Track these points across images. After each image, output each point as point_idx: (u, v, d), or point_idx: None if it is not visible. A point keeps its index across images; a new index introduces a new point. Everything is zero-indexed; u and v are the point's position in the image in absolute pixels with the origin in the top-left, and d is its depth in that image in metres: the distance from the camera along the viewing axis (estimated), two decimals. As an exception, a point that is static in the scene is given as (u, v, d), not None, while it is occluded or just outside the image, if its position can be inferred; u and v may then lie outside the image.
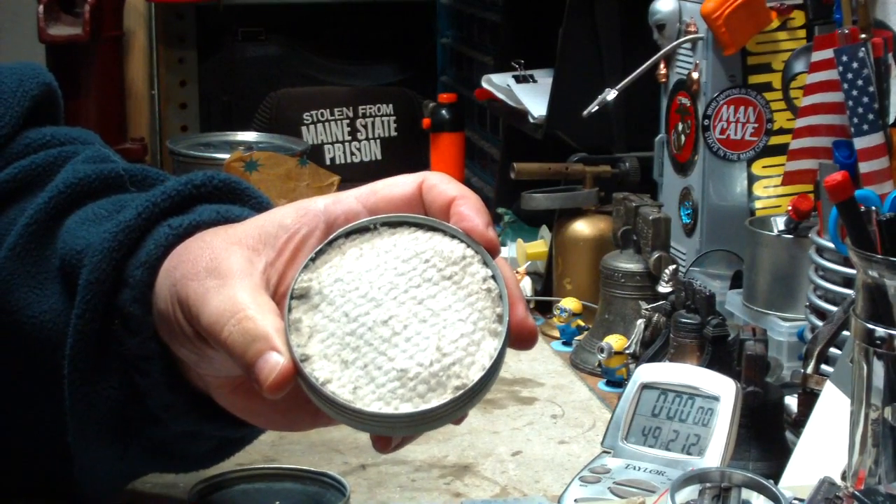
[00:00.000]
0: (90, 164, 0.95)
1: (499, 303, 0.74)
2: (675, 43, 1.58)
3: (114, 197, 0.90)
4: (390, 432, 0.73)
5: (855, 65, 1.27)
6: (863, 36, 1.28)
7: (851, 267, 1.08)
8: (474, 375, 0.71)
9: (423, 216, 0.78)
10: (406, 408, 0.70)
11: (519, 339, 0.74)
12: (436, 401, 0.70)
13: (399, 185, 0.79)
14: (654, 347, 1.25)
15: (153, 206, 0.83)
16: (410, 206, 0.79)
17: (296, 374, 0.72)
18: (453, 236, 0.77)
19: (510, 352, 0.76)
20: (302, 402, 0.75)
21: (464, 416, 0.74)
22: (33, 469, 0.95)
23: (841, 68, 1.27)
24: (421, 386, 0.71)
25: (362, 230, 0.76)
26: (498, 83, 1.95)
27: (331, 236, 0.76)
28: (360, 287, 0.73)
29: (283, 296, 0.75)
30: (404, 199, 0.79)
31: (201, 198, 0.85)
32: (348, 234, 0.76)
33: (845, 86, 1.28)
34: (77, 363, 0.83)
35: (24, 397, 0.89)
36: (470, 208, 0.78)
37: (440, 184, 0.80)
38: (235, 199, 0.87)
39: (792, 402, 1.18)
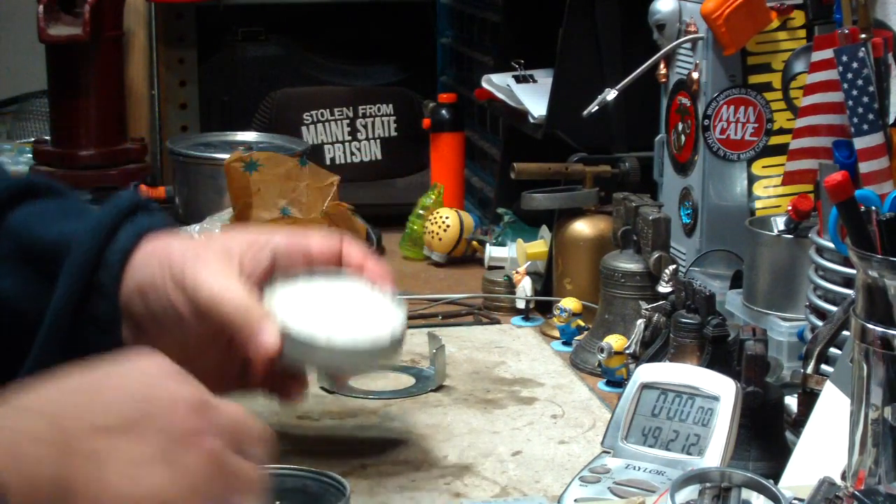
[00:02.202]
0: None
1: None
2: (675, 43, 1.58)
3: (44, 202, 1.11)
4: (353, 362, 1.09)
5: (855, 65, 1.27)
6: (863, 36, 1.28)
7: (851, 267, 1.08)
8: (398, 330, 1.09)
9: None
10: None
11: None
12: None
13: (327, 240, 1.14)
14: (654, 347, 1.25)
15: (119, 211, 1.08)
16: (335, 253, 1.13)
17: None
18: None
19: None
20: (229, 366, 1.06)
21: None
22: None
23: (841, 68, 1.28)
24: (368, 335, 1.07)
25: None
26: (498, 83, 1.95)
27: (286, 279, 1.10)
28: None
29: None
30: (330, 248, 1.14)
31: (139, 209, 1.12)
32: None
33: (845, 86, 1.28)
34: (57, 331, 1.04)
35: None
36: (376, 262, 1.14)
37: (357, 245, 1.15)
38: (150, 209, 1.13)
39: (792, 402, 1.18)
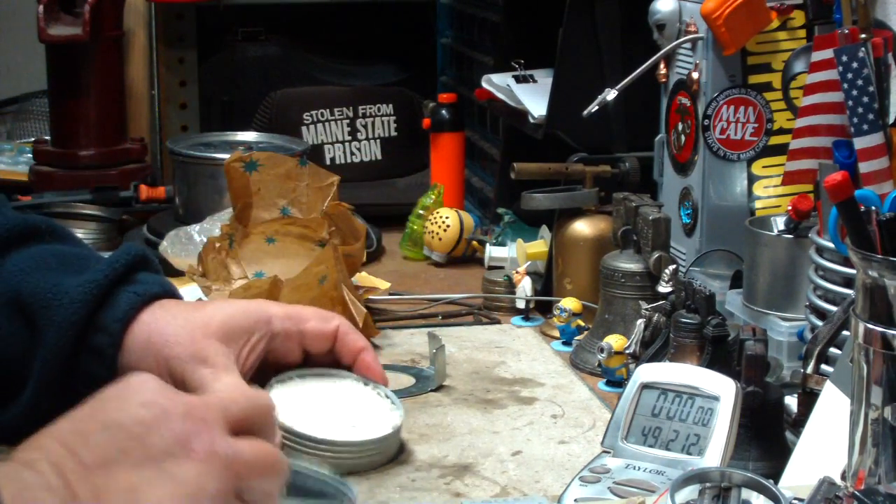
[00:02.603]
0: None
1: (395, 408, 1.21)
2: (675, 43, 1.58)
3: (41, 247, 1.13)
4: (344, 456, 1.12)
5: (855, 65, 1.27)
6: (863, 36, 1.28)
7: (851, 267, 1.08)
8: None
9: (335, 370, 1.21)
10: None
11: None
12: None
13: (323, 326, 1.20)
14: (654, 347, 1.25)
15: (113, 270, 1.09)
16: (329, 339, 1.20)
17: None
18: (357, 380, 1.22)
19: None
20: None
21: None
22: None
23: (841, 68, 1.28)
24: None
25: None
26: (498, 83, 1.95)
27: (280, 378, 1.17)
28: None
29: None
30: (325, 335, 1.19)
31: (138, 265, 1.14)
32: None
33: (845, 86, 1.28)
34: (47, 383, 1.07)
35: None
36: (373, 359, 1.22)
37: (351, 332, 1.21)
38: (148, 266, 1.16)
39: (792, 401, 1.18)
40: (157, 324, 1.09)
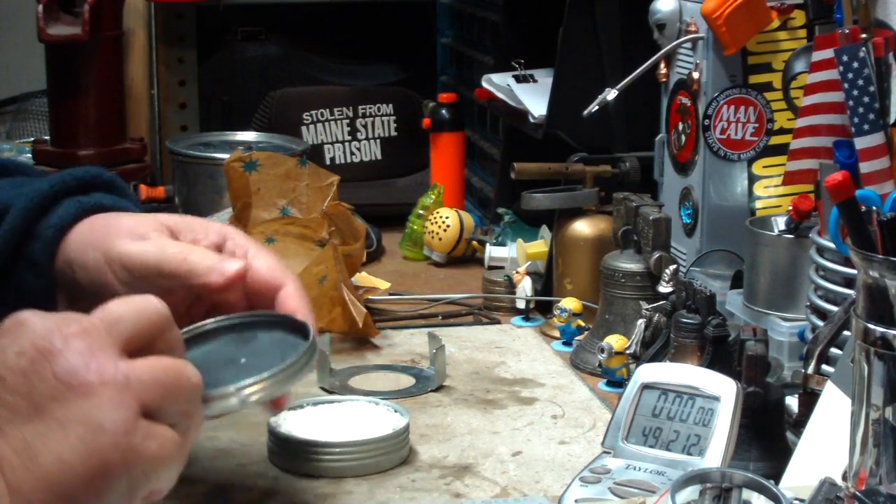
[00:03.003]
0: None
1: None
2: (675, 43, 1.58)
3: (7, 179, 1.08)
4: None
5: (855, 65, 1.26)
6: (863, 36, 1.28)
7: (852, 267, 1.08)
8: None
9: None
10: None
11: None
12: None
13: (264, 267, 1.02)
14: (655, 347, 1.25)
15: (63, 183, 1.03)
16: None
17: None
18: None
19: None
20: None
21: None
22: None
23: (841, 68, 1.27)
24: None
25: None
26: (498, 83, 1.95)
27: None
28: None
29: None
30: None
31: (96, 186, 1.07)
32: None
33: (846, 86, 1.27)
34: None
35: None
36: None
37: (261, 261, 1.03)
38: (119, 193, 1.09)
39: (792, 402, 1.18)
40: (96, 222, 1.02)
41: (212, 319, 0.96)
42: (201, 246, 1.01)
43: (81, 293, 1.02)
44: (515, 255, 1.76)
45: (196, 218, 1.06)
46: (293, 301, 1.00)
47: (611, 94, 1.60)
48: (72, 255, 1.02)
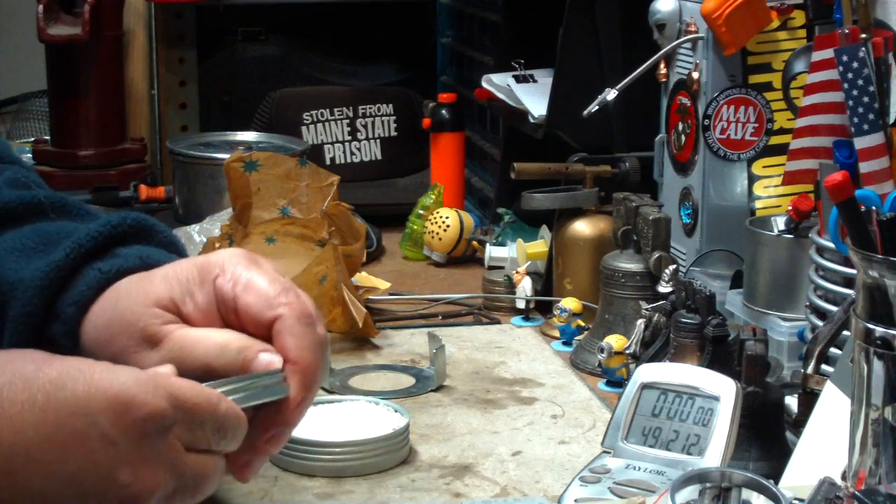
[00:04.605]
0: (12, 190, 1.02)
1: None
2: (675, 43, 1.58)
3: (37, 225, 0.98)
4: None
5: (855, 65, 1.26)
6: (863, 36, 1.28)
7: (852, 267, 1.08)
8: None
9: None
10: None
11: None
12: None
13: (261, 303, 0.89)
14: (655, 347, 1.25)
15: (80, 247, 0.92)
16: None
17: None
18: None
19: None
20: None
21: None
22: None
23: (841, 68, 1.27)
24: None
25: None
26: (498, 83, 1.95)
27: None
28: None
29: None
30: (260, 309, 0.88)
31: (119, 237, 0.95)
32: None
33: (845, 86, 1.27)
34: None
35: None
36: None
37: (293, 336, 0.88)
38: (148, 237, 0.98)
39: (792, 402, 1.18)
40: (107, 309, 0.91)
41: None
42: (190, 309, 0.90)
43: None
44: (515, 255, 1.76)
45: (193, 263, 0.92)
46: (284, 338, 0.87)
47: (611, 94, 1.60)
48: (93, 345, 0.91)
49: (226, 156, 1.68)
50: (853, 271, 0.93)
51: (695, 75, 1.54)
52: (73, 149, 2.19)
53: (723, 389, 1.05)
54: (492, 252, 1.83)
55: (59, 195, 1.03)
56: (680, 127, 1.59)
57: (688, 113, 1.57)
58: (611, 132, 1.76)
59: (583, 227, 1.61)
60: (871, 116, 1.26)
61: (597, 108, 1.61)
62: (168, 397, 0.77)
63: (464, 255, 1.93)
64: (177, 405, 0.77)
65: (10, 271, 0.93)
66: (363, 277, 1.68)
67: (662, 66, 1.61)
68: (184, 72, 2.38)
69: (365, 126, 2.34)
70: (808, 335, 1.26)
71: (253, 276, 0.88)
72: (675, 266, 1.33)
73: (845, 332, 1.12)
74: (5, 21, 3.10)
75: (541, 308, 1.66)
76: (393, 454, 1.17)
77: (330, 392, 1.36)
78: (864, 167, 1.26)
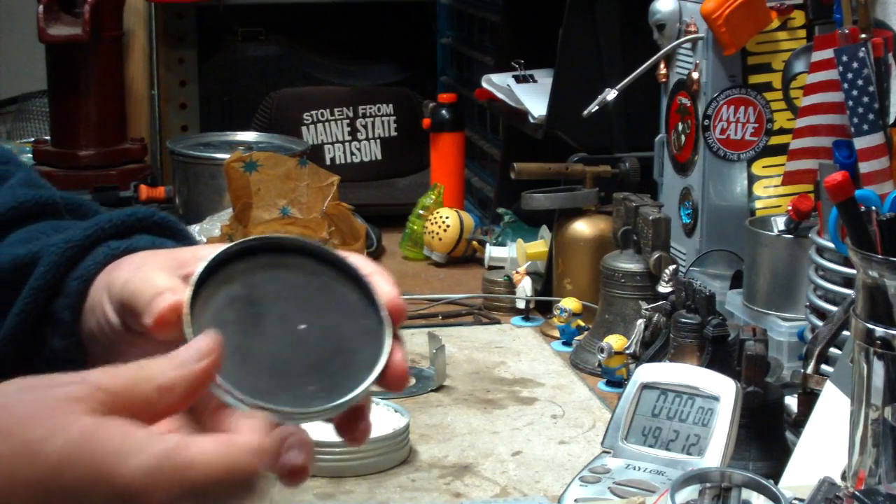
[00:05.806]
0: (27, 189, 1.00)
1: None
2: (675, 43, 1.58)
3: (52, 222, 0.96)
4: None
5: (855, 65, 1.26)
6: (863, 36, 1.28)
7: (851, 267, 1.08)
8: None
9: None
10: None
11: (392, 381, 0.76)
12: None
13: None
14: (655, 347, 1.25)
15: (99, 229, 0.88)
16: None
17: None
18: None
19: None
20: None
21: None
22: None
23: (841, 68, 1.27)
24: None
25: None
26: (498, 83, 1.95)
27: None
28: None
29: None
30: None
31: (142, 229, 0.91)
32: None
33: (845, 86, 1.28)
34: (6, 357, 0.88)
35: None
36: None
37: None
38: (172, 236, 0.92)
39: (792, 402, 1.18)
40: (111, 266, 0.86)
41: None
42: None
43: (94, 345, 0.88)
44: (515, 255, 1.76)
45: (195, 249, 0.87)
46: None
47: (611, 94, 1.60)
48: (87, 304, 0.87)
49: (226, 156, 1.68)
50: (853, 271, 0.93)
51: (695, 75, 1.54)
52: (74, 149, 2.19)
53: (723, 389, 1.05)
54: (492, 252, 1.83)
55: (76, 196, 1.01)
56: (680, 127, 1.59)
57: (688, 113, 1.57)
58: (611, 132, 1.76)
59: (583, 228, 1.61)
60: (870, 116, 1.26)
61: (597, 108, 1.61)
62: (181, 484, 0.66)
63: (464, 255, 1.93)
64: (196, 491, 0.67)
65: (22, 251, 0.89)
66: (363, 277, 1.68)
67: (662, 66, 1.61)
68: (184, 72, 2.38)
69: (365, 126, 2.34)
70: (808, 335, 1.26)
71: None
72: (674, 266, 1.33)
73: (845, 332, 1.12)
74: (5, 21, 3.10)
75: (541, 308, 1.66)
76: (393, 454, 1.17)
77: None
78: (864, 167, 1.26)
